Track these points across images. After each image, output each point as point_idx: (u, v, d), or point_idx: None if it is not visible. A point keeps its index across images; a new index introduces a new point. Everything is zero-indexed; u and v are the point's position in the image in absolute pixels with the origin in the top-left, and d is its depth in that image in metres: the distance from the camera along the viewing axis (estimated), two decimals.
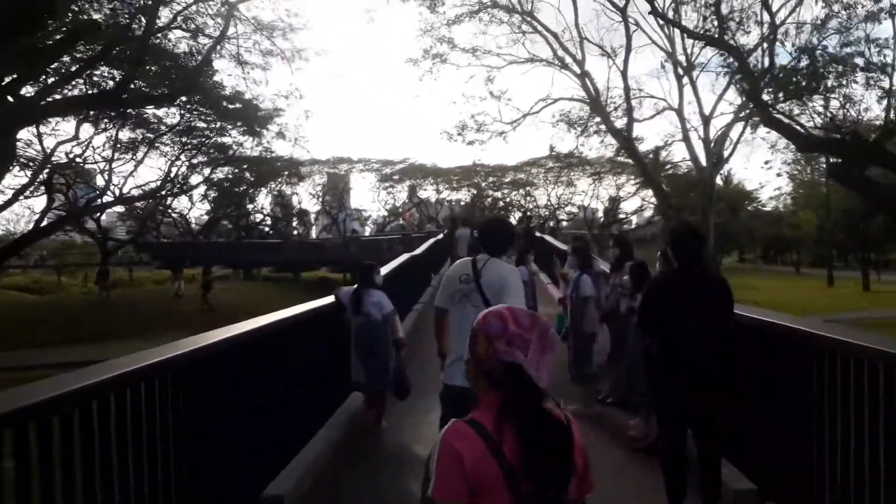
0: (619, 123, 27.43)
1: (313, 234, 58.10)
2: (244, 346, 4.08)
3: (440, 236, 20.79)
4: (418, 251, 14.73)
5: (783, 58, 17.47)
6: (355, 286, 6.51)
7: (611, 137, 28.61)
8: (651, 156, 35.78)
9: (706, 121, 27.42)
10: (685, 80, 27.38)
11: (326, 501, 4.82)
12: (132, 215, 48.25)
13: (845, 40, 15.24)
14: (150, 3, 18.09)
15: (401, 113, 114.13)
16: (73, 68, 21.50)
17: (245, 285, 39.57)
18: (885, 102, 14.63)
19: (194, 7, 21.13)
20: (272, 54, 23.16)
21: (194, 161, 40.84)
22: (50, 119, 26.07)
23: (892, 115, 14.27)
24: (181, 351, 3.34)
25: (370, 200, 70.24)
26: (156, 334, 25.67)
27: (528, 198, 52.00)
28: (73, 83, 22.73)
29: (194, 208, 50.37)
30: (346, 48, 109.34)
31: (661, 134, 55.71)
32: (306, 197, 53.68)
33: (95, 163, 35.60)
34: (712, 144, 27.19)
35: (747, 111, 27.52)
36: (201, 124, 35.59)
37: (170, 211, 49.19)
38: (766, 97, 15.82)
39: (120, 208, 45.95)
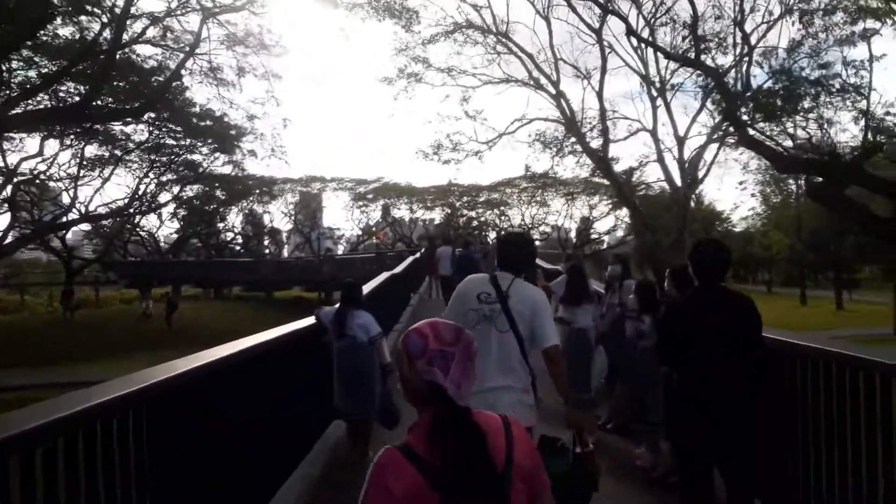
0: (595, 144, 27.44)
1: (285, 252, 57.39)
2: (212, 377, 3.57)
3: (418, 255, 20.43)
4: (398, 270, 14.35)
5: (760, 79, 17.56)
6: (337, 306, 6.03)
7: (586, 157, 28.59)
8: (625, 176, 35.89)
9: (681, 142, 27.45)
10: (659, 101, 27.50)
11: None
12: (99, 233, 47.17)
13: (821, 62, 15.37)
14: (117, 14, 17.57)
15: (375, 132, 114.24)
16: (38, 82, 20.92)
17: (215, 305, 38.76)
18: (861, 123, 14.72)
19: (164, 21, 20.68)
20: (244, 72, 22.68)
21: (163, 179, 40.14)
22: (13, 135, 25.34)
23: (869, 136, 14.34)
24: (133, 388, 2.83)
25: (343, 219, 69.82)
26: (121, 356, 24.95)
27: (503, 217, 52.02)
28: (38, 98, 22.11)
29: (163, 227, 49.53)
30: (319, 66, 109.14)
31: (635, 155, 56.29)
32: (278, 215, 53.09)
33: (60, 179, 34.79)
34: (686, 165, 27.28)
35: (720, 132, 27.92)
36: (170, 141, 34.93)
37: (138, 229, 48.27)
38: (743, 118, 15.82)
39: (86, 226, 44.91)
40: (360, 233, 54.33)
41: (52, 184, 36.26)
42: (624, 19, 19.48)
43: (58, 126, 27.08)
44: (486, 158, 33.59)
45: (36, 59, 22.16)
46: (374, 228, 53.87)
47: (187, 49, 20.57)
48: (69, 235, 44.59)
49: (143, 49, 23.07)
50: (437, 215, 54.07)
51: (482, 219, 52.74)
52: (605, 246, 52.76)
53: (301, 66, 75.25)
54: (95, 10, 18.60)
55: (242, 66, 22.44)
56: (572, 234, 52.46)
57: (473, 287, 3.42)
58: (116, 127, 31.70)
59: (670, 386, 3.41)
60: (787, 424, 3.86)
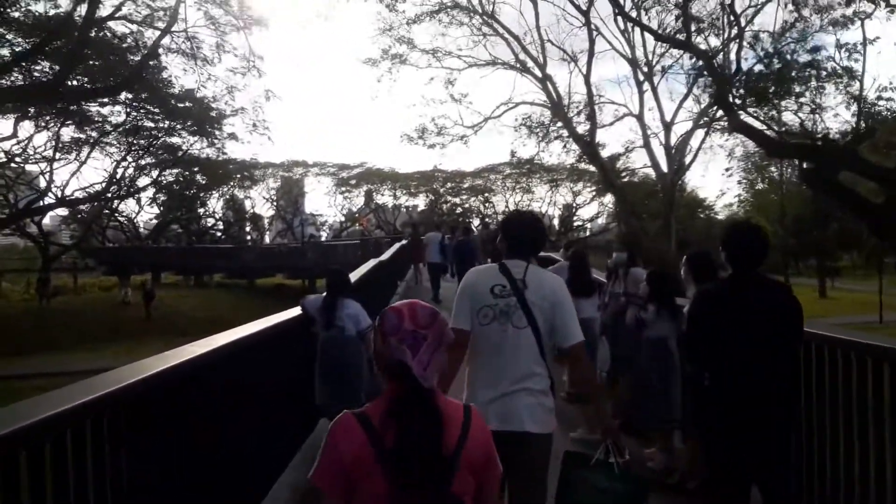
0: (581, 129, 27.20)
1: (267, 239, 56.78)
2: (184, 378, 3.14)
3: (405, 241, 20.01)
4: (385, 257, 13.95)
5: (751, 62, 17.27)
6: (324, 295, 5.58)
7: (573, 143, 28.32)
8: (610, 162, 35.72)
9: (667, 127, 27.37)
10: (646, 86, 27.30)
11: None
12: (76, 219, 46.26)
13: (814, 45, 15.15)
14: None
15: (358, 116, 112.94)
16: (9, 59, 20.20)
17: (195, 293, 38.13)
18: (853, 107, 14.52)
19: None
20: (223, 49, 22.04)
21: (142, 162, 39.31)
22: None
23: (862, 120, 14.16)
24: (107, 389, 2.47)
25: (326, 205, 69.00)
26: (95, 347, 24.40)
27: (487, 204, 51.81)
28: (13, 78, 21.38)
29: (142, 212, 48.68)
30: (300, 47, 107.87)
31: (621, 140, 56.14)
32: (260, 201, 52.42)
33: (36, 162, 33.95)
34: (674, 151, 27.15)
35: (707, 118, 27.79)
36: (149, 123, 34.12)
37: (116, 215, 47.39)
38: (734, 102, 15.56)
39: (63, 211, 44.03)
40: (343, 219, 53.85)
41: (27, 167, 35.46)
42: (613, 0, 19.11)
43: (32, 108, 26.32)
44: (472, 144, 33.30)
45: (8, 36, 21.45)
46: (357, 215, 53.40)
47: (163, 27, 19.85)
48: (46, 221, 43.78)
49: (120, 28, 22.44)
50: (420, 202, 53.82)
51: (466, 205, 52.51)
52: (587, 233, 52.78)
53: (281, 47, 74.16)
54: None
55: (221, 43, 21.79)
56: (555, 222, 52.45)
57: (484, 279, 3.01)
58: (93, 108, 30.92)
59: (699, 389, 3.04)
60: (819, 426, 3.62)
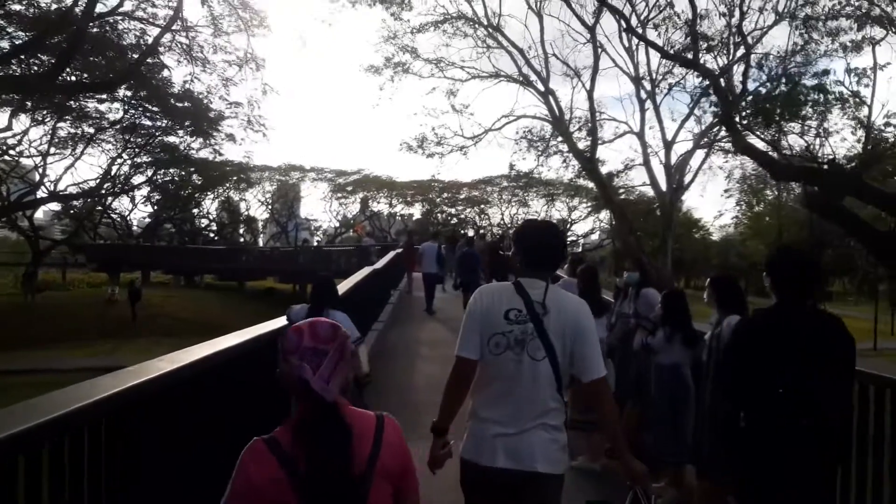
0: (582, 145, 27.08)
1: (261, 242, 56.40)
2: (167, 391, 2.87)
3: (399, 250, 19.71)
4: (379, 265, 13.63)
5: (758, 84, 17.12)
6: (310, 305, 5.13)
7: (572, 158, 28.18)
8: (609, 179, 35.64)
9: (668, 146, 27.27)
10: (648, 104, 27.22)
11: None
12: (69, 214, 45.79)
13: (824, 68, 15.03)
14: None
15: (358, 123, 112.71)
16: (7, 51, 19.92)
17: (184, 293, 37.62)
18: (859, 132, 14.36)
19: None
20: (225, 50, 21.80)
21: (137, 160, 38.99)
22: None
23: (869, 145, 14.00)
24: (76, 405, 2.21)
25: (321, 210, 68.69)
26: (80, 343, 23.98)
27: (483, 215, 51.76)
28: (11, 71, 21.08)
29: (136, 210, 48.23)
30: (302, 53, 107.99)
31: (619, 158, 56.42)
32: (255, 204, 52.05)
33: (31, 156, 33.59)
34: (673, 170, 27.05)
35: (707, 139, 27.71)
36: (147, 122, 33.86)
37: (109, 212, 46.97)
38: (739, 123, 15.39)
39: (56, 206, 43.54)
40: (337, 225, 53.57)
41: (22, 160, 35.06)
42: (622, 15, 18.97)
43: (28, 101, 26.02)
44: (471, 155, 33.04)
45: (9, 29, 21.24)
46: (352, 221, 53.13)
47: (163, 24, 19.59)
48: (39, 215, 43.38)
49: (122, 25, 22.18)
50: (416, 210, 53.68)
51: (462, 216, 52.39)
52: (580, 249, 52.71)
53: (282, 52, 74.08)
54: None
55: (223, 45, 21.55)
56: None
57: (497, 302, 2.63)
58: (90, 104, 30.67)
59: (733, 429, 2.73)
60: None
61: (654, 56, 25.59)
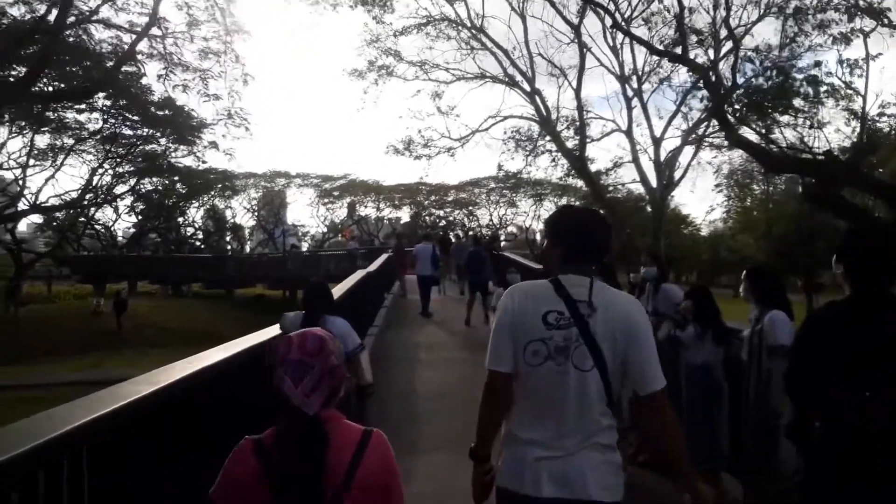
0: (570, 144, 26.99)
1: (248, 249, 55.89)
2: (150, 412, 2.56)
3: (390, 254, 19.41)
4: (372, 268, 13.32)
5: (748, 77, 17.01)
6: (304, 312, 4.80)
7: (561, 157, 28.08)
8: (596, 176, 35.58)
9: (657, 142, 27.27)
10: (635, 101, 27.19)
11: None
12: (51, 226, 45.12)
13: (815, 60, 14.91)
14: None
15: (343, 128, 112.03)
16: None
17: (171, 303, 37.11)
18: (854, 123, 14.24)
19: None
20: (206, 55, 21.37)
21: (119, 170, 38.47)
22: None
23: (864, 136, 13.87)
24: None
25: (308, 216, 68.17)
26: (65, 357, 23.52)
27: (471, 217, 51.57)
28: None
29: (120, 220, 47.61)
30: (285, 58, 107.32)
31: (608, 157, 56.53)
32: (241, 211, 51.53)
33: (10, 168, 33.05)
34: (663, 166, 27.05)
35: (696, 135, 27.67)
36: (128, 131, 33.36)
37: (92, 223, 46.32)
38: (730, 116, 15.26)
39: (38, 218, 42.89)
40: (325, 230, 53.17)
41: (0, 173, 34.54)
42: (607, 11, 18.83)
43: (4, 113, 25.51)
44: (458, 157, 32.70)
45: None
46: (340, 226, 52.75)
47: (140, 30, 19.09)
48: (23, 228, 42.71)
49: (98, 34, 21.75)
50: (404, 214, 53.39)
51: (450, 218, 52.16)
52: None
53: (264, 57, 73.53)
54: None
55: (204, 49, 21.14)
56: (538, 237, 52.39)
57: (533, 303, 2.24)
58: (69, 115, 30.19)
59: (801, 433, 2.42)
60: None
61: (640, 54, 25.63)
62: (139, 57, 21.17)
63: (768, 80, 14.66)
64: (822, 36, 15.39)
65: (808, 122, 14.97)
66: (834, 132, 14.96)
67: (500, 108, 29.24)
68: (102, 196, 39.66)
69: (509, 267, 11.83)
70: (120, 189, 40.83)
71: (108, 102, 28.65)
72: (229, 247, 54.68)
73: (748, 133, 15.32)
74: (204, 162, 37.19)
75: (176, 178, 42.39)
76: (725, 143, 27.40)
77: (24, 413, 2.23)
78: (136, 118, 31.35)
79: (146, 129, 33.05)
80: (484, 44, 27.23)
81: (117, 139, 33.83)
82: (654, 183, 27.18)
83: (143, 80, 26.73)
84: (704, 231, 55.79)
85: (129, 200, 43.74)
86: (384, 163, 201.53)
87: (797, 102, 14.14)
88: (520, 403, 2.27)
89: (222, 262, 43.42)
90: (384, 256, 17.35)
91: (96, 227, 47.49)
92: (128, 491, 2.50)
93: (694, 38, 16.70)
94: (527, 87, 26.97)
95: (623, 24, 21.03)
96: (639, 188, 30.48)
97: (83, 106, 28.58)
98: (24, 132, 30.80)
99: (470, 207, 51.32)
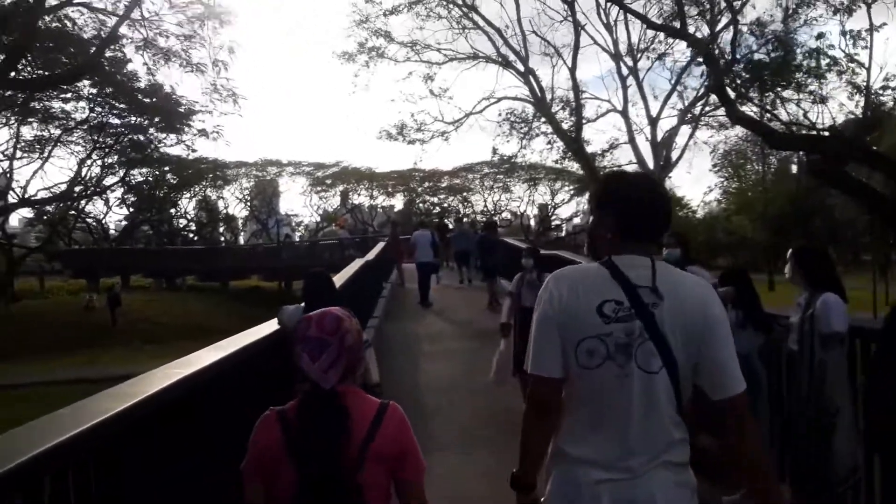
0: (566, 125, 26.60)
1: (241, 240, 55.39)
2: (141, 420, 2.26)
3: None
4: (370, 256, 12.95)
5: (747, 51, 16.60)
6: (305, 304, 4.38)
7: (557, 139, 27.67)
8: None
9: (653, 122, 26.94)
10: (630, 80, 26.82)
11: None
12: (42, 220, 44.53)
13: (818, 31, 14.52)
14: None
15: (334, 114, 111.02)
16: None
17: (166, 296, 36.66)
18: (857, 97, 13.89)
19: None
20: (192, 39, 20.73)
21: (108, 161, 37.86)
22: None
23: (869, 110, 13.52)
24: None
25: (301, 205, 67.69)
26: (58, 354, 23.11)
27: (466, 203, 51.19)
28: None
29: (111, 213, 47.01)
30: (273, 43, 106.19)
31: (604, 139, 56.48)
32: (233, 201, 50.96)
33: None
34: (660, 146, 26.76)
35: (692, 114, 27.32)
36: (115, 120, 32.76)
37: (83, 216, 45.73)
38: (731, 93, 14.87)
39: (28, 212, 42.36)
40: (318, 219, 52.67)
41: None
42: None
43: None
44: (452, 142, 32.19)
45: None
46: (333, 215, 52.30)
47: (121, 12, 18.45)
48: (14, 223, 42.22)
49: (81, 19, 21.13)
50: (398, 201, 52.99)
51: (444, 204, 51.78)
52: (563, 233, 52.39)
53: (252, 39, 72.62)
54: None
55: (189, 34, 20.53)
56: (532, 222, 52.20)
57: (585, 292, 1.81)
58: (55, 105, 29.60)
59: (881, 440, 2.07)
60: None
61: (635, 31, 25.21)
62: (123, 41, 20.61)
63: (769, 53, 14.28)
64: (823, 5, 15.07)
65: (810, 98, 14.64)
66: (838, 107, 14.60)
67: (493, 89, 28.57)
68: (92, 188, 39.10)
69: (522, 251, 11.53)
70: (110, 180, 40.32)
71: (93, 90, 28.06)
72: (223, 238, 54.19)
73: (749, 111, 14.95)
74: (194, 150, 36.61)
75: (166, 169, 41.80)
76: (722, 121, 27.14)
77: (24, 413, 2.17)
78: (122, 106, 30.76)
79: (134, 118, 32.42)
80: (476, 22, 26.76)
81: (105, 128, 33.25)
82: (651, 164, 26.88)
83: (129, 67, 26.17)
84: (699, 213, 55.60)
85: (119, 192, 43.22)
86: (377, 149, 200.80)
87: (799, 76, 13.77)
88: (571, 414, 1.86)
89: (216, 253, 42.97)
90: (380, 245, 16.93)
91: (87, 220, 46.93)
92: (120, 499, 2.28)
93: (695, 11, 16.21)
94: (520, 66, 26.56)
95: None
96: (636, 170, 30.14)
97: (69, 95, 28.00)
98: (10, 123, 30.24)
99: (464, 193, 51.02)
